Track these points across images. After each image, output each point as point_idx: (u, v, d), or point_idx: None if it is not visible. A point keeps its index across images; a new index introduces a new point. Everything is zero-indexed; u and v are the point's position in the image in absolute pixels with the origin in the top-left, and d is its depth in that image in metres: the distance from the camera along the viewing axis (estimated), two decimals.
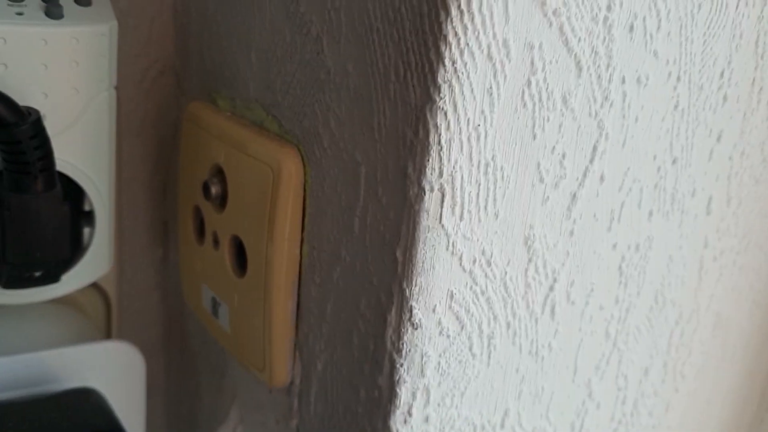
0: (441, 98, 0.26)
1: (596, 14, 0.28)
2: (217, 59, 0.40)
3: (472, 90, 0.26)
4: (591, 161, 0.31)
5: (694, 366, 0.43)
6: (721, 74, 0.34)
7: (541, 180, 0.30)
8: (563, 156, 0.30)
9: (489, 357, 0.32)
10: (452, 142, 0.27)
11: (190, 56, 0.43)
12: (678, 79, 0.32)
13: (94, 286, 0.45)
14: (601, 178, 0.32)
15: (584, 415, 0.38)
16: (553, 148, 0.30)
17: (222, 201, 0.37)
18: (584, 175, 0.31)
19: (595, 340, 0.36)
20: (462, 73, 0.26)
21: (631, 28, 0.29)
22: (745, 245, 0.41)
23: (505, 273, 0.31)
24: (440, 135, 0.27)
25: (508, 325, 0.32)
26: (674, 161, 0.34)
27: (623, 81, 0.30)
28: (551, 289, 0.33)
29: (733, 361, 0.45)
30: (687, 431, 0.45)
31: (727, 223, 0.39)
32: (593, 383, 0.38)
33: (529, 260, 0.31)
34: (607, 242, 0.34)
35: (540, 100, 0.28)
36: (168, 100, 0.45)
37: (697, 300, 0.40)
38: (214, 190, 0.37)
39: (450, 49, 0.25)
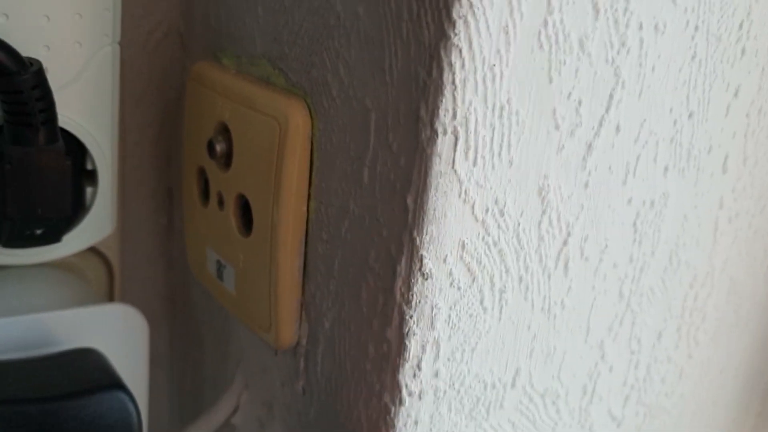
0: (456, 34, 0.25)
1: None
2: (222, 17, 0.39)
3: (488, 27, 0.25)
4: (607, 110, 0.30)
5: (707, 332, 0.42)
6: (740, 26, 0.33)
7: (557, 127, 0.29)
8: (579, 103, 0.29)
9: (500, 312, 0.32)
10: (467, 81, 0.26)
11: (194, 16, 0.42)
12: (696, 28, 0.32)
13: (97, 253, 0.44)
14: (617, 129, 0.31)
15: (596, 377, 0.37)
16: (569, 93, 0.29)
17: (227, 159, 0.37)
18: (600, 124, 0.30)
19: (608, 299, 0.36)
20: (478, 8, 0.25)
21: None
22: (761, 208, 0.40)
23: (518, 224, 0.30)
24: (454, 74, 0.26)
25: (521, 279, 0.31)
26: (690, 115, 0.34)
27: (640, 27, 0.30)
28: (565, 243, 0.32)
29: (747, 329, 0.44)
30: (700, 400, 0.44)
31: (743, 184, 0.38)
32: (606, 345, 0.37)
33: (543, 212, 0.31)
34: (622, 197, 0.33)
35: (556, 42, 0.27)
36: (173, 63, 0.45)
37: (711, 263, 0.39)
38: (219, 148, 0.36)
39: None
